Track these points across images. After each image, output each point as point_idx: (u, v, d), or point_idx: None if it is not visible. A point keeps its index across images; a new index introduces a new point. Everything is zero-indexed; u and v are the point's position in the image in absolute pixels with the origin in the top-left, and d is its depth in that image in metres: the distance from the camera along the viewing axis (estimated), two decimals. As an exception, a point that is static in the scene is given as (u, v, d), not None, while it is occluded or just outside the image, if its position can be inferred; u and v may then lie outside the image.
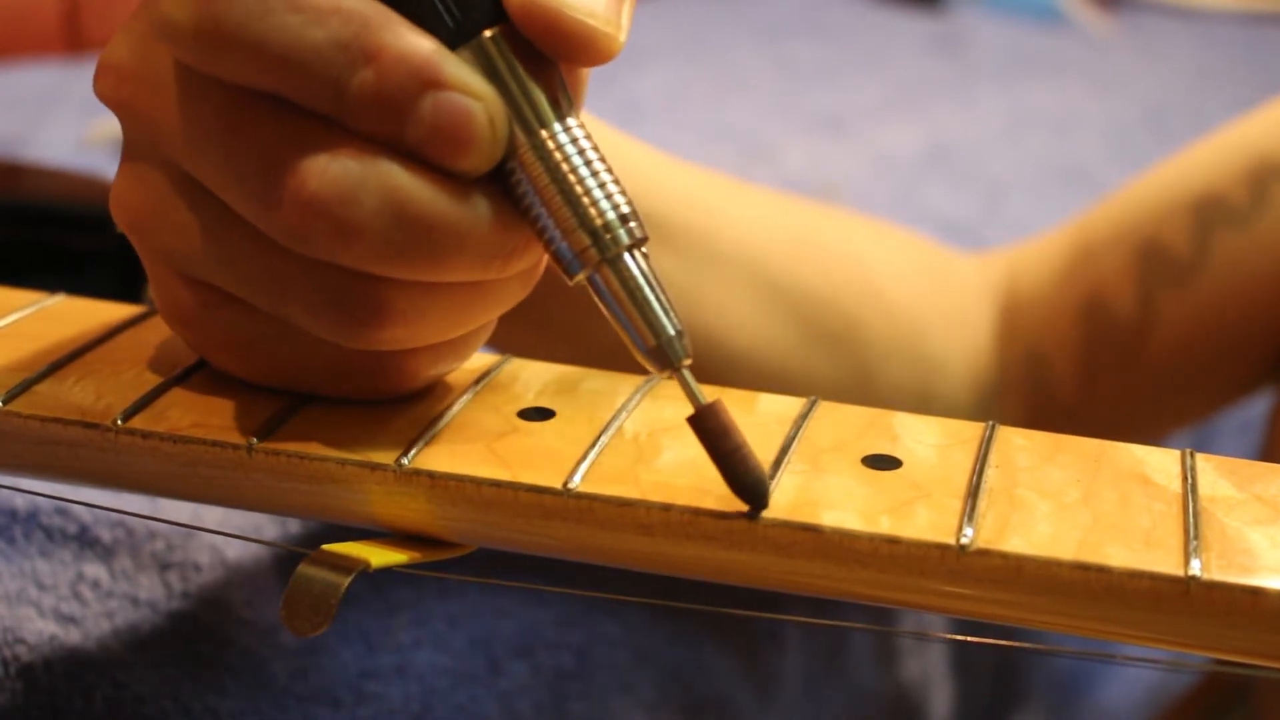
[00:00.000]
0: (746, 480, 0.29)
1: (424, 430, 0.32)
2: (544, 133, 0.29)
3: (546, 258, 0.31)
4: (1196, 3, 1.93)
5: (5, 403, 0.33)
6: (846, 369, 0.53)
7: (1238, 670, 0.29)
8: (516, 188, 0.30)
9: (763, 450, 0.31)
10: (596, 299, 0.30)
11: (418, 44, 0.28)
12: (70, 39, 1.32)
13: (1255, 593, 0.27)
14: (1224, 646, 0.28)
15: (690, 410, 0.30)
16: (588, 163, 0.29)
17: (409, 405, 0.33)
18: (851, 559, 0.29)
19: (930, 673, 0.68)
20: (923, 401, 0.54)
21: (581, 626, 0.52)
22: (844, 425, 0.33)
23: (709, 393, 0.34)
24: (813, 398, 0.34)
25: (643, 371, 0.35)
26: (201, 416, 0.32)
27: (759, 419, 0.33)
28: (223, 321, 0.32)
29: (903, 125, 1.24)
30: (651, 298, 0.30)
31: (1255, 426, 0.62)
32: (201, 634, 0.45)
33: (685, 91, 1.30)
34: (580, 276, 0.30)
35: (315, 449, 0.31)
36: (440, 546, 0.32)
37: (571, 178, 0.29)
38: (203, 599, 0.46)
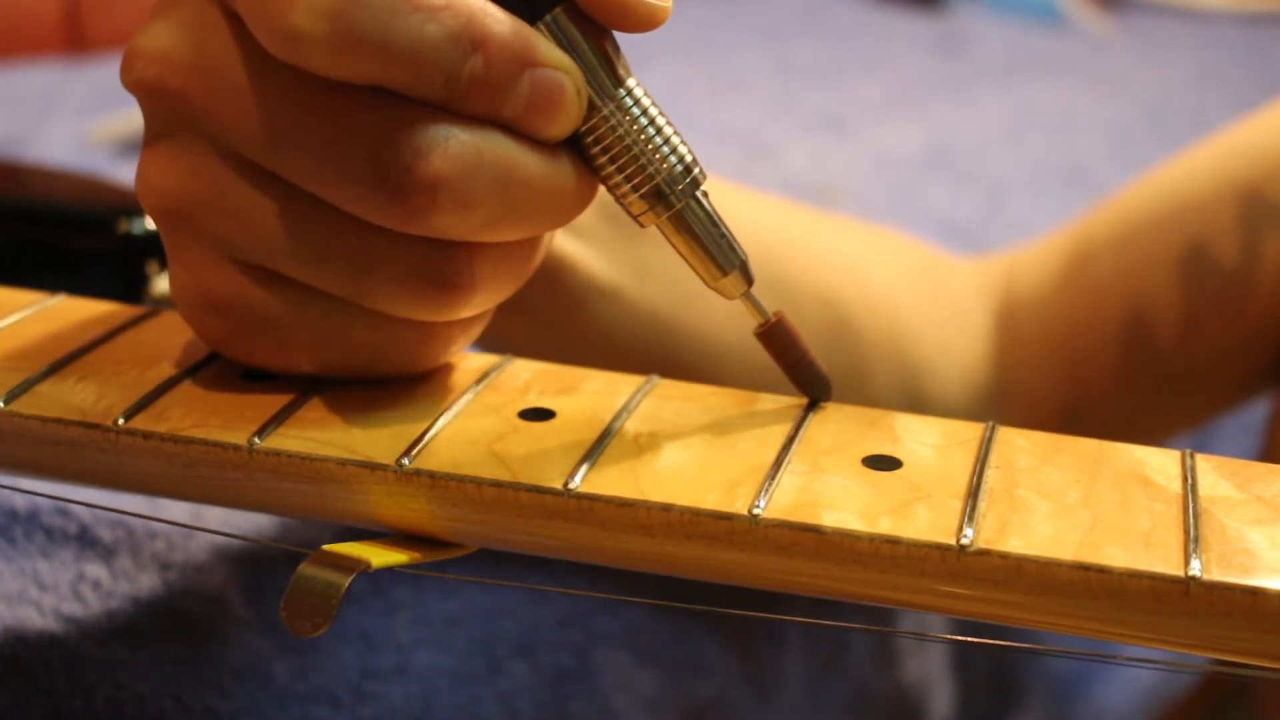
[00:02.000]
0: (815, 382, 0.34)
1: (424, 431, 0.32)
2: (611, 99, 0.32)
3: None
4: (1196, 3, 1.93)
5: (6, 403, 0.33)
6: (837, 368, 0.53)
7: (1237, 671, 0.29)
8: (590, 147, 0.32)
9: (763, 450, 0.31)
10: (669, 239, 0.33)
11: (515, 28, 0.31)
12: (70, 39, 1.32)
13: (1255, 593, 0.27)
14: (1223, 647, 0.28)
15: (756, 326, 0.34)
16: (651, 120, 0.32)
17: (410, 405, 0.33)
18: (852, 559, 0.29)
19: (930, 673, 0.68)
20: (915, 403, 0.54)
21: (581, 626, 0.52)
22: (844, 426, 0.33)
23: (706, 392, 0.34)
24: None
25: (641, 370, 0.35)
26: (202, 417, 0.32)
27: (758, 419, 0.33)
28: (264, 304, 0.33)
29: (903, 125, 1.24)
30: (717, 234, 0.33)
31: (1255, 428, 0.62)
32: (202, 634, 0.45)
33: (685, 91, 1.30)
34: (655, 222, 0.33)
35: (316, 449, 0.31)
36: (441, 546, 0.32)
37: (642, 136, 0.32)
38: (203, 599, 0.46)
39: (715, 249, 0.33)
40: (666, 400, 0.34)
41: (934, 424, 0.33)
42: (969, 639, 0.33)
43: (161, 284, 0.49)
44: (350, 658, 0.47)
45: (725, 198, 0.51)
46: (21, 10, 1.31)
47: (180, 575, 0.46)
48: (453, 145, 0.30)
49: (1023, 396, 0.58)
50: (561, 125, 0.32)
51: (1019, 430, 0.33)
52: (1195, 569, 0.28)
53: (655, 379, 0.35)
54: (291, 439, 0.32)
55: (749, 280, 0.34)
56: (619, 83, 0.32)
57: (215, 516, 0.47)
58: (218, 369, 0.34)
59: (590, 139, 0.32)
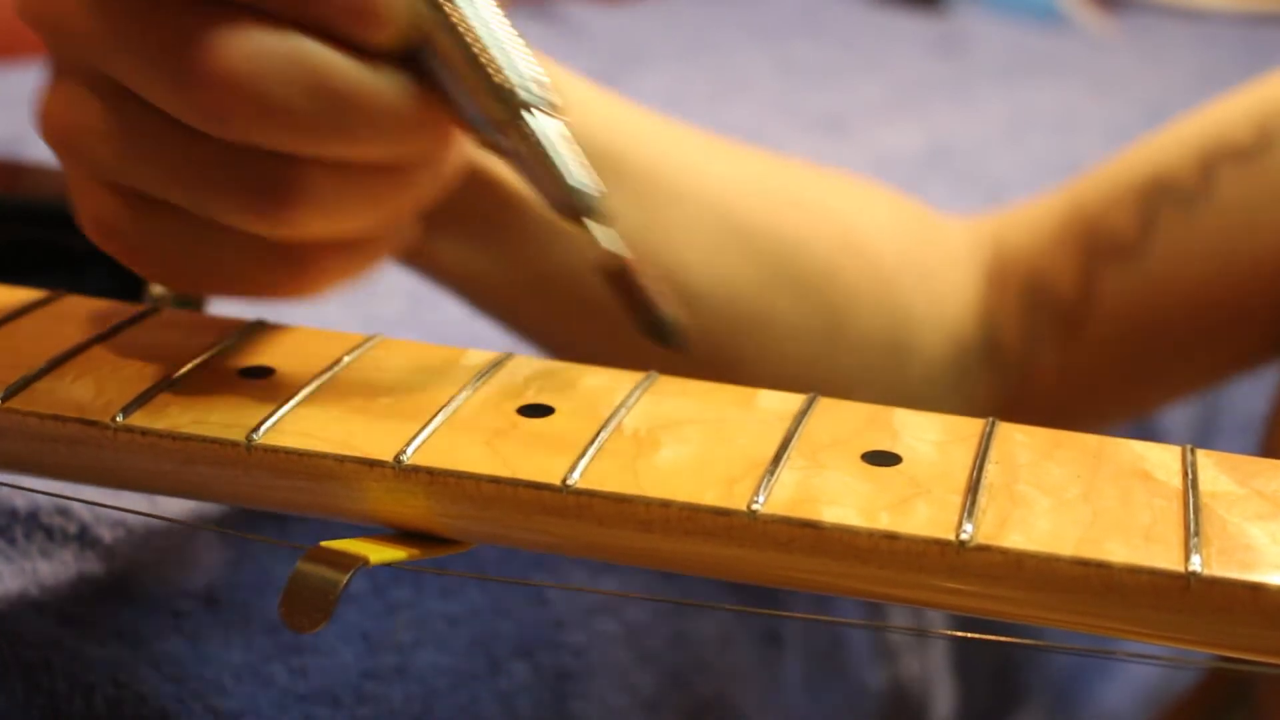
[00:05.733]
0: (659, 320, 0.31)
1: (423, 426, 0.32)
2: (448, 5, 0.30)
3: (454, 151, 0.33)
4: (1196, 3, 1.93)
5: (4, 400, 0.33)
6: (815, 316, 0.52)
7: (1238, 667, 0.29)
8: (428, 62, 0.30)
9: (762, 446, 0.31)
10: (510, 163, 0.31)
11: None
12: (70, 40, 1.32)
13: (1255, 588, 0.27)
14: (1224, 643, 0.28)
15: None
16: (492, 32, 0.30)
17: (408, 401, 0.33)
18: (851, 555, 0.29)
19: (930, 670, 0.68)
20: (894, 355, 0.54)
21: (581, 626, 0.52)
22: (843, 421, 0.33)
23: (705, 388, 0.34)
24: (812, 394, 0.34)
25: (642, 365, 0.35)
26: (200, 414, 0.32)
27: (758, 415, 0.33)
28: (145, 227, 0.33)
29: (903, 125, 1.24)
30: (561, 151, 0.31)
31: (1256, 425, 0.62)
32: (202, 633, 0.45)
33: (685, 91, 1.30)
34: (492, 138, 0.31)
35: (314, 445, 0.31)
36: (439, 543, 0.32)
37: (476, 46, 0.30)
38: (202, 598, 0.46)
39: (550, 170, 0.31)
40: (665, 396, 0.34)
41: (934, 419, 0.33)
42: (969, 635, 0.33)
43: (161, 283, 0.49)
44: (350, 658, 0.47)
45: (697, 144, 0.50)
46: (21, 12, 1.31)
47: (179, 574, 0.46)
48: (250, 44, 0.29)
49: (1012, 354, 0.57)
50: (383, 30, 0.30)
51: (1019, 426, 0.33)
52: (1196, 564, 0.27)
53: (654, 375, 0.35)
54: (289, 435, 0.32)
55: (594, 209, 0.31)
56: None
57: (214, 514, 0.47)
58: (216, 366, 0.34)
59: (424, 54, 0.30)
